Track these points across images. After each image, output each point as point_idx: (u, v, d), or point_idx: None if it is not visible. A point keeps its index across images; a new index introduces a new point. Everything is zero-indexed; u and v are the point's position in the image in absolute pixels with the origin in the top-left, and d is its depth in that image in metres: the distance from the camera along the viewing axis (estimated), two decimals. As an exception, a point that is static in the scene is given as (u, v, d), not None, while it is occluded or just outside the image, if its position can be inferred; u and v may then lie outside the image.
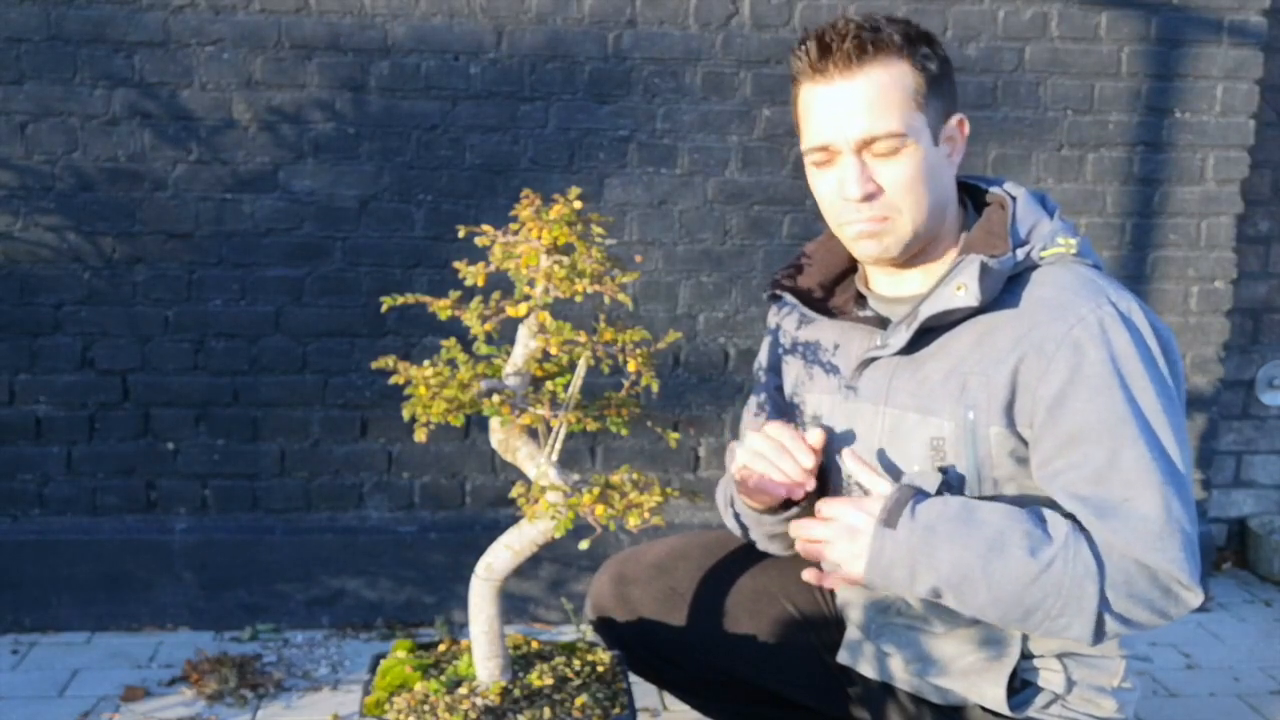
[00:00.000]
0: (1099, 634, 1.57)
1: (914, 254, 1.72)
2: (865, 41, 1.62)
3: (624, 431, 1.69)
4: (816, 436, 1.71)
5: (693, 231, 2.97)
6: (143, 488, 2.93)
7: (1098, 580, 1.53)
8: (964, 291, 1.62)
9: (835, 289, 1.86)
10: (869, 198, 1.64)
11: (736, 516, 1.91)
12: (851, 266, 1.86)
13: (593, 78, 2.89)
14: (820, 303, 1.83)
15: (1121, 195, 3.10)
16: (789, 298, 1.84)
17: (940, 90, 1.67)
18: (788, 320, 1.91)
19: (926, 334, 1.69)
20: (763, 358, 1.98)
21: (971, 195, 1.79)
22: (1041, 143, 3.05)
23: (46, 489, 2.91)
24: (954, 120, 1.70)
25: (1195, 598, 1.57)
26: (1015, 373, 1.61)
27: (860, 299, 1.82)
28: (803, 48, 1.66)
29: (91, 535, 2.90)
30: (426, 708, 1.67)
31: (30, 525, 2.90)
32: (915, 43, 1.65)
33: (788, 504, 1.79)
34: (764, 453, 1.70)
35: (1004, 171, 3.04)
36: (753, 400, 1.97)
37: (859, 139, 1.63)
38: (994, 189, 1.76)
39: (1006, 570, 1.54)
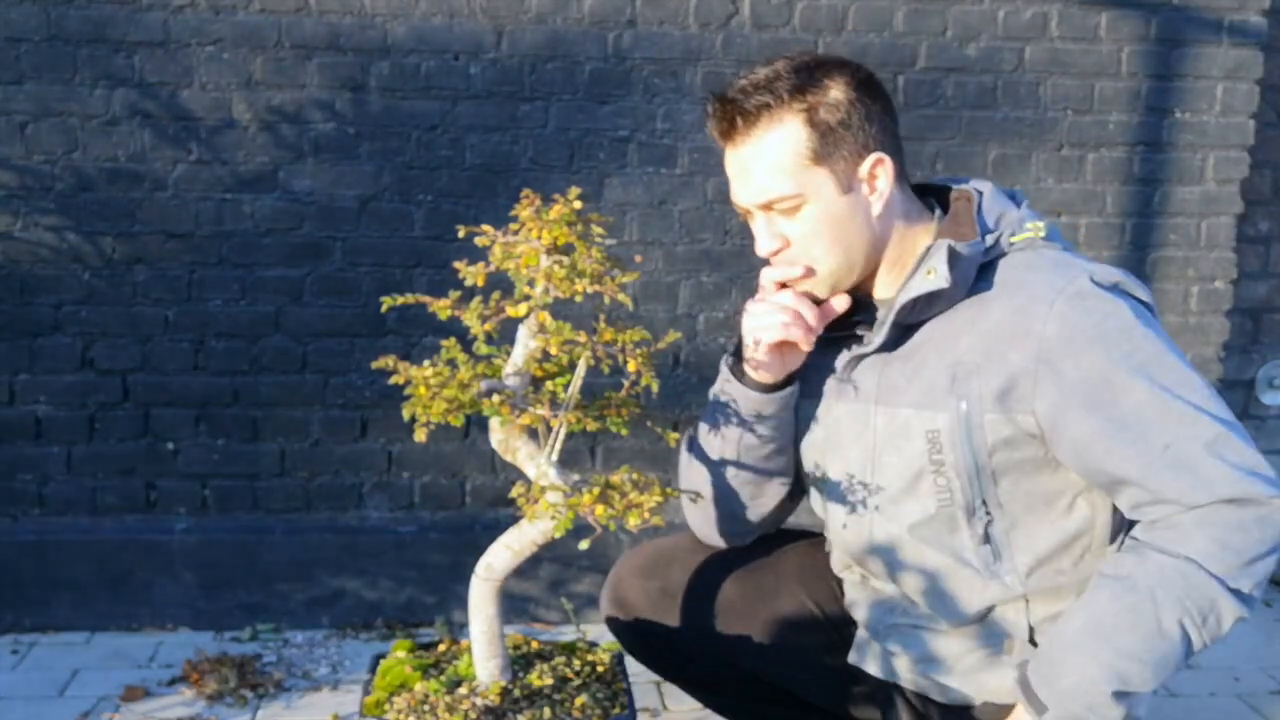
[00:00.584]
0: (1247, 599, 1.56)
1: (863, 281, 1.73)
2: (752, 109, 1.64)
3: (624, 431, 1.69)
4: (843, 302, 1.73)
5: (693, 231, 2.97)
6: (143, 488, 2.93)
7: (1196, 565, 1.52)
8: (934, 275, 1.62)
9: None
10: (778, 252, 1.69)
11: (714, 420, 1.82)
12: None
13: (593, 78, 2.89)
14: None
15: (1121, 195, 3.10)
16: None
17: (842, 137, 1.64)
18: None
19: (910, 328, 1.69)
20: None
21: (943, 198, 1.79)
22: (1041, 143, 3.05)
23: (46, 489, 2.91)
24: (869, 161, 1.66)
25: None
26: (1006, 360, 1.61)
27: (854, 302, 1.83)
28: (706, 110, 1.70)
29: (91, 535, 2.90)
30: (426, 708, 1.67)
31: (30, 525, 2.90)
32: (809, 92, 1.64)
33: (783, 385, 1.78)
34: (784, 304, 1.69)
35: (1004, 171, 3.04)
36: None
37: (757, 203, 1.68)
38: (961, 186, 1.77)
39: (1131, 632, 1.55)
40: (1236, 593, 1.54)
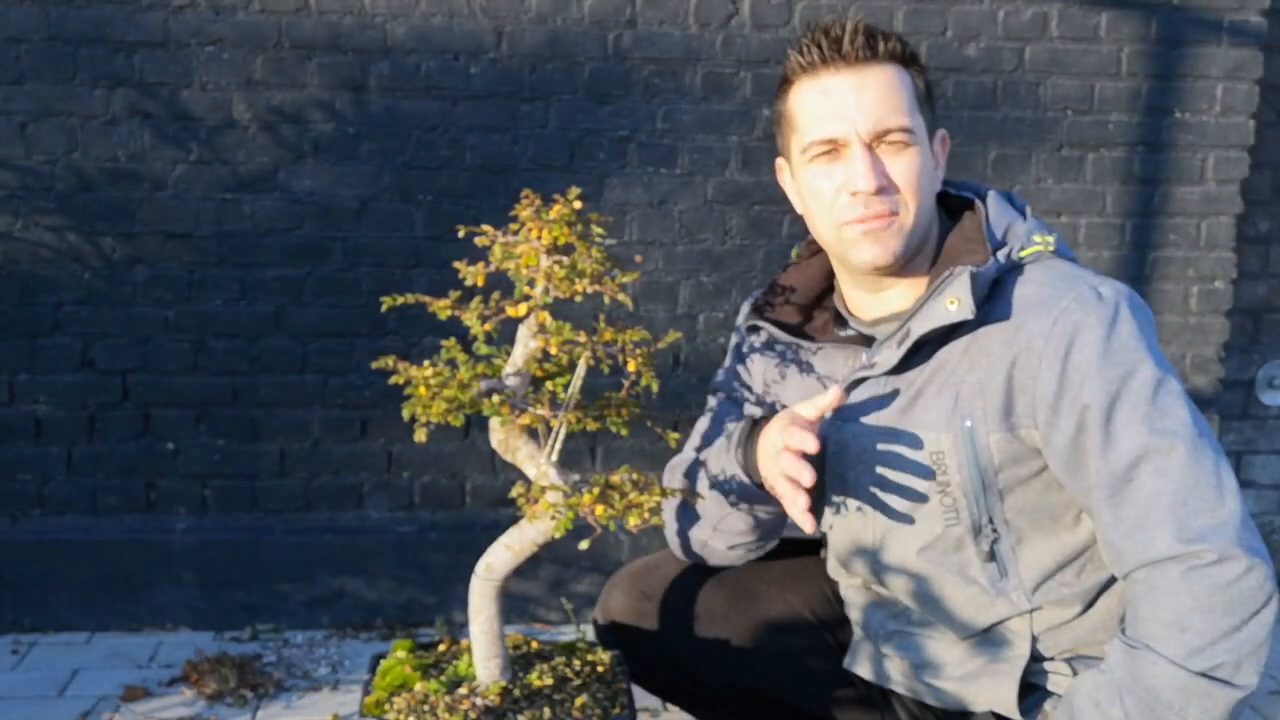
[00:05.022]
0: (1238, 679, 1.45)
1: (902, 265, 1.70)
2: (874, 38, 1.65)
3: (624, 431, 1.69)
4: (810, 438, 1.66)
5: (693, 231, 2.97)
6: (143, 488, 2.93)
7: (1158, 656, 1.46)
8: (957, 306, 1.60)
9: (813, 313, 1.84)
10: (881, 190, 1.63)
11: (724, 490, 1.80)
12: (827, 288, 1.84)
13: (593, 78, 2.89)
14: (798, 328, 1.82)
15: (1121, 195, 3.10)
16: (768, 327, 1.82)
17: (931, 103, 1.72)
18: (767, 350, 1.87)
19: (916, 348, 1.66)
20: (729, 381, 1.93)
21: (942, 202, 1.78)
22: (1041, 143, 3.05)
23: (46, 489, 2.91)
24: (940, 134, 1.74)
25: (1255, 564, 1.45)
26: (1010, 377, 1.59)
27: (839, 319, 1.81)
28: (808, 41, 1.66)
29: (91, 535, 2.90)
30: (426, 708, 1.67)
31: (30, 525, 2.90)
32: (911, 54, 1.70)
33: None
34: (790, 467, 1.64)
35: (1004, 171, 3.04)
36: (728, 426, 1.88)
37: (873, 130, 1.63)
38: (963, 193, 1.77)
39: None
40: (1219, 676, 1.45)
